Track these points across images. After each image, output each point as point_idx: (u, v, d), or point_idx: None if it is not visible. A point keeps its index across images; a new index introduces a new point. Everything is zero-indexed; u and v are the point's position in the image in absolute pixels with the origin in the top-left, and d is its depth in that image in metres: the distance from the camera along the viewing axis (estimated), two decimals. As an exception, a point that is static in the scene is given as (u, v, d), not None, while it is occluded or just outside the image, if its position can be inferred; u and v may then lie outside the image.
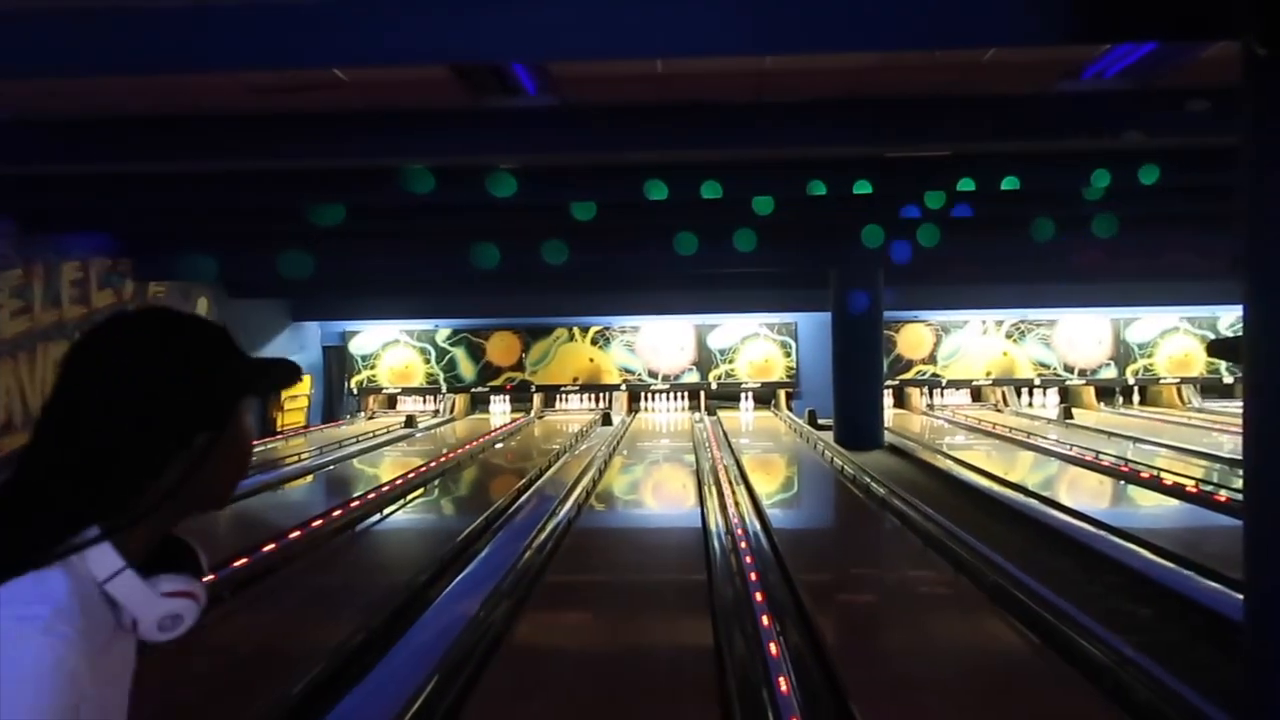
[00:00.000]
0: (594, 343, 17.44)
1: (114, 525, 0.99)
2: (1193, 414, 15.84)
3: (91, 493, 0.99)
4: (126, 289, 11.75)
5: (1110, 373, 17.14)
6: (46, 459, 1.01)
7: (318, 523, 7.31)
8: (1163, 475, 8.84)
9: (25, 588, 0.92)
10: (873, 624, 5.09)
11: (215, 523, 8.22)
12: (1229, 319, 16.81)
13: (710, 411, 16.90)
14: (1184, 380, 17.04)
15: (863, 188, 8.86)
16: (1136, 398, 17.25)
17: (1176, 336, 17.09)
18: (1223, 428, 12.97)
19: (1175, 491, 8.25)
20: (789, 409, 16.86)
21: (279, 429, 15.13)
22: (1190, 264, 11.98)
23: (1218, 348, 15.13)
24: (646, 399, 17.53)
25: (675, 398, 17.46)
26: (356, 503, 8.26)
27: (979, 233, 10.83)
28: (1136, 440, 12.09)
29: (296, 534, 6.86)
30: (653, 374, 17.37)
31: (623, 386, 17.39)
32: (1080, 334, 17.19)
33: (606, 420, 15.96)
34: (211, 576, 5.46)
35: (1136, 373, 17.11)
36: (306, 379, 16.41)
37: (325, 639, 4.57)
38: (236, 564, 5.82)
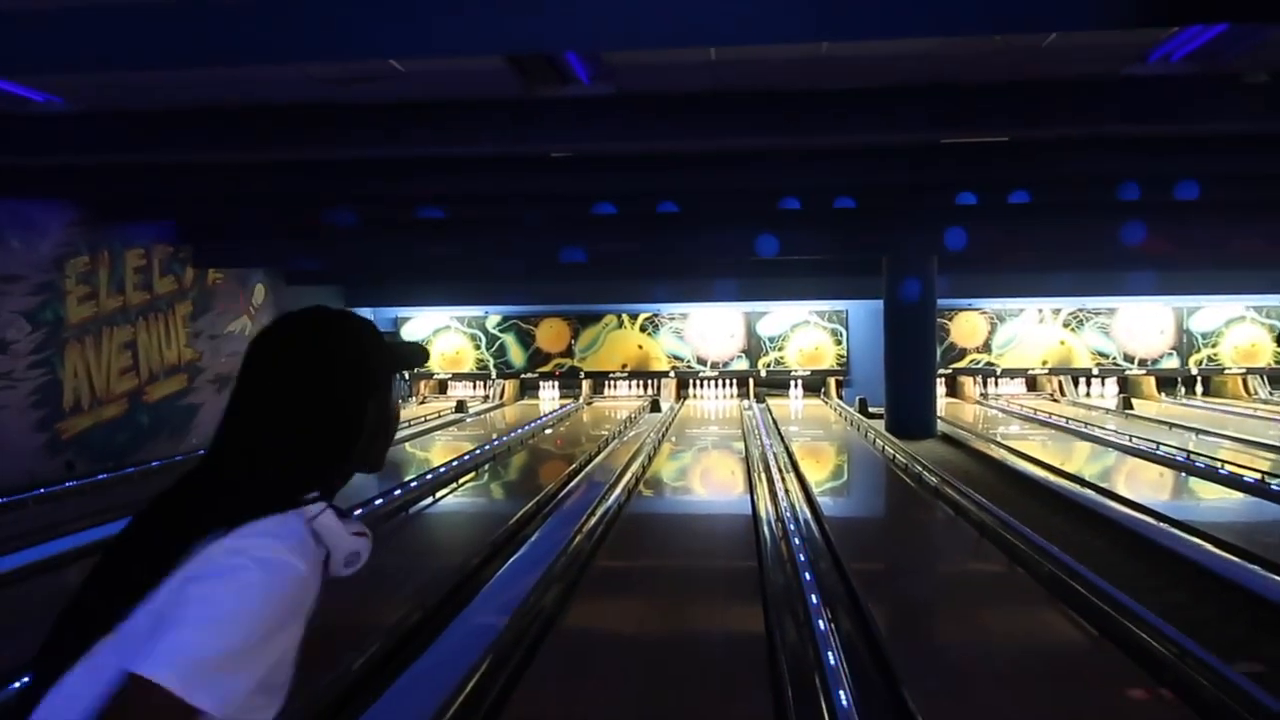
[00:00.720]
0: (643, 329, 17.46)
1: (332, 485, 1.27)
2: (1259, 405, 15.42)
3: (314, 459, 1.24)
4: (187, 276, 12.04)
5: (1172, 362, 16.73)
6: (259, 435, 1.23)
7: (371, 505, 7.44)
8: (1226, 467, 8.62)
9: (274, 524, 1.15)
10: (926, 613, 5.06)
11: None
12: (1299, 308, 16.33)
13: (759, 399, 16.85)
14: (1250, 370, 16.58)
15: (917, 174, 8.74)
16: (1200, 388, 16.83)
17: (1243, 326, 16.62)
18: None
19: (1238, 483, 8.05)
20: (839, 397, 16.73)
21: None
22: (1259, 252, 11.64)
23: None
24: (695, 386, 17.52)
25: (724, 385, 17.43)
26: (409, 486, 8.39)
27: (1036, 220, 10.62)
28: (1199, 431, 11.80)
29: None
30: (702, 361, 17.35)
31: (671, 373, 17.40)
32: (1141, 323, 16.80)
33: (655, 407, 15.99)
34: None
35: (1200, 363, 16.68)
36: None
37: (382, 618, 4.66)
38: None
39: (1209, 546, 5.85)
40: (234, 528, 1.12)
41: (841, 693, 3.48)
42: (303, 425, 1.24)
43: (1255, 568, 5.32)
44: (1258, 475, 8.12)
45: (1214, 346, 16.68)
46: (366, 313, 17.33)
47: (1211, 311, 16.66)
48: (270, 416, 1.24)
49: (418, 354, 1.44)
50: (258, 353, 1.28)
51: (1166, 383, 16.89)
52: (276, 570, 1.11)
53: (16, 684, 3.78)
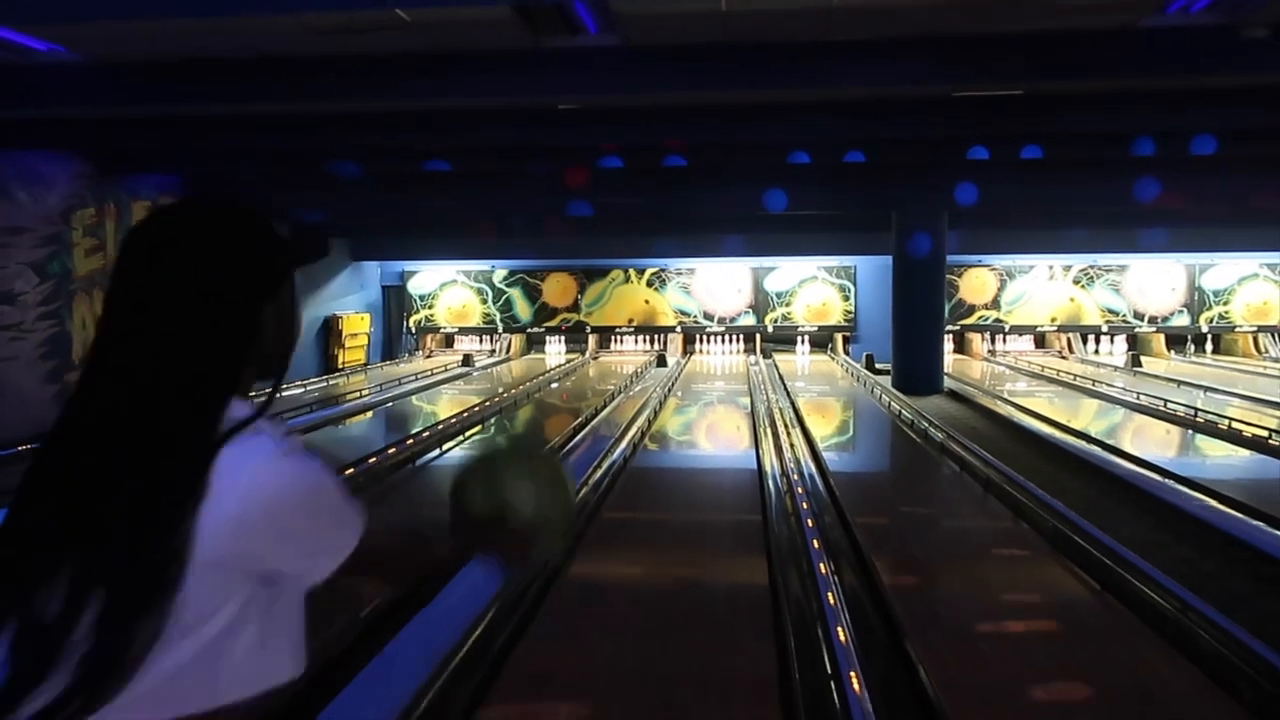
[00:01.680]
0: (650, 284, 17.41)
1: (249, 391, 1.20)
2: (1270, 363, 15.35)
3: (226, 370, 1.15)
4: (194, 228, 11.99)
5: (1183, 320, 16.64)
6: (163, 350, 1.10)
7: (378, 457, 7.49)
8: (1234, 424, 8.61)
9: (252, 443, 1.12)
10: (930, 567, 5.08)
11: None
12: (1313, 265, 16.19)
13: (766, 355, 16.83)
14: (1261, 329, 16.48)
15: (930, 127, 8.62)
16: (1210, 346, 16.75)
17: (1255, 283, 16.48)
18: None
19: (1246, 441, 8.04)
20: (846, 353, 16.71)
21: (340, 366, 15.45)
22: (1277, 209, 11.50)
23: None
24: (702, 341, 17.51)
25: (731, 340, 17.40)
26: (416, 438, 8.44)
27: (1049, 175, 10.50)
28: (1208, 389, 11.76)
29: (358, 467, 7.05)
30: (708, 316, 17.32)
31: (678, 328, 17.37)
32: (1152, 280, 16.68)
33: (661, 362, 16.00)
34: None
35: (1211, 320, 16.58)
36: (366, 317, 16.69)
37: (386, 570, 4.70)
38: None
39: (1214, 503, 5.86)
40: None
41: (843, 643, 3.51)
42: (197, 336, 1.10)
43: (1260, 524, 5.33)
44: (1265, 433, 8.10)
45: (1225, 304, 16.56)
46: (373, 266, 17.31)
47: (1224, 269, 16.52)
48: (158, 332, 1.09)
49: (314, 245, 1.34)
50: (130, 256, 1.12)
51: (1176, 340, 16.82)
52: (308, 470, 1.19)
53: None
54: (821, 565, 4.42)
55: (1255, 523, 5.37)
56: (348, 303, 16.46)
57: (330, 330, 15.68)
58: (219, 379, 1.13)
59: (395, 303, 17.81)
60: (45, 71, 6.89)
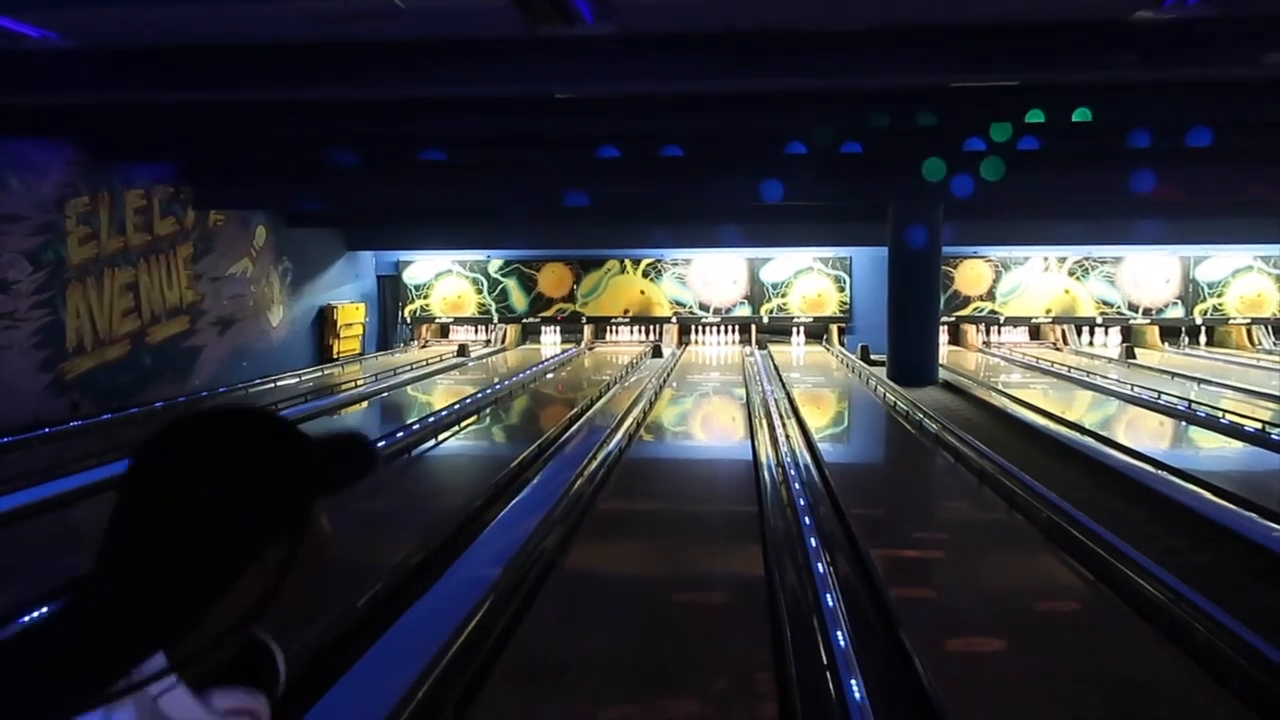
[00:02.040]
0: (645, 275, 17.40)
1: (183, 659, 0.89)
2: (1262, 355, 15.41)
3: (155, 622, 0.88)
4: (188, 217, 11.96)
5: (1177, 312, 16.68)
6: (107, 586, 0.90)
7: (375, 446, 7.48)
8: (1226, 416, 8.64)
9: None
10: (924, 558, 5.10)
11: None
12: (1306, 258, 16.23)
13: (761, 345, 16.84)
14: (1255, 321, 16.53)
15: (926, 119, 8.62)
16: (1203, 338, 16.80)
17: (1250, 275, 16.53)
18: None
19: (1239, 433, 8.08)
20: (841, 344, 16.73)
21: (335, 356, 15.42)
22: (1273, 201, 11.52)
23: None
24: (697, 332, 17.51)
25: (726, 331, 17.41)
26: (411, 428, 8.44)
27: (1045, 167, 10.49)
28: (1201, 381, 11.80)
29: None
30: (704, 307, 17.32)
31: (673, 319, 17.38)
32: (1147, 272, 16.71)
33: (657, 352, 16.00)
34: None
35: (1205, 312, 16.63)
36: (361, 307, 16.66)
37: (386, 558, 4.72)
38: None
39: (1207, 494, 5.89)
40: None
41: (839, 634, 3.52)
42: (157, 578, 0.89)
43: (1253, 515, 5.35)
44: (1258, 425, 8.13)
45: (1220, 296, 16.61)
46: (368, 256, 17.26)
47: (1219, 261, 16.56)
48: (124, 565, 0.90)
49: (361, 460, 1.07)
50: (128, 476, 0.95)
51: (1170, 332, 16.86)
52: None
53: (24, 618, 3.83)
54: (820, 565, 4.43)
55: (1248, 514, 5.39)
56: (343, 292, 16.43)
57: (325, 320, 15.65)
58: (149, 616, 0.88)
59: (390, 292, 17.77)
60: (38, 58, 6.85)
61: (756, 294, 17.23)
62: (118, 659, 0.86)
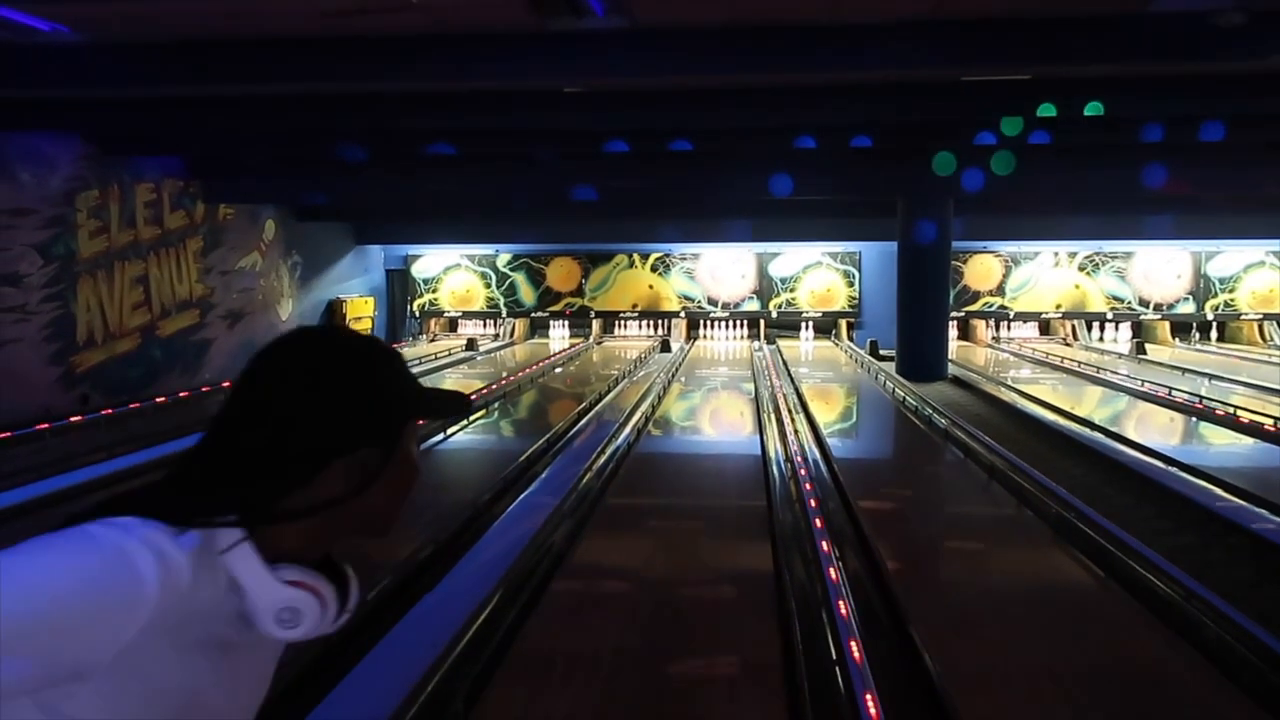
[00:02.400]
0: (654, 269, 17.38)
1: (251, 519, 0.97)
2: (1273, 351, 15.32)
3: (238, 485, 0.98)
4: (197, 211, 11.99)
5: (1188, 307, 16.60)
6: (208, 450, 1.01)
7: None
8: (1238, 413, 8.60)
9: (158, 527, 0.91)
10: (933, 553, 5.09)
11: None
12: (1319, 253, 16.14)
13: (770, 340, 16.82)
14: (1267, 316, 16.43)
15: (936, 113, 8.58)
16: (1214, 334, 16.71)
17: (1262, 271, 16.43)
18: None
19: (1250, 429, 8.03)
20: (850, 339, 16.69)
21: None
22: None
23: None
24: (705, 326, 17.49)
25: (735, 326, 17.39)
26: (419, 422, 8.44)
27: (1056, 161, 10.45)
28: (1212, 377, 11.75)
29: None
30: (712, 301, 17.29)
31: (682, 314, 17.36)
32: (1158, 267, 16.63)
33: (665, 347, 15.99)
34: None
35: (1216, 308, 16.53)
36: (370, 301, 16.69)
37: (395, 552, 4.72)
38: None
39: (1218, 491, 5.86)
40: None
41: (853, 644, 3.52)
42: (248, 448, 1.00)
43: (1264, 512, 5.33)
44: (1269, 421, 8.09)
45: (1231, 292, 16.51)
46: (377, 250, 17.29)
47: (1231, 256, 16.46)
48: (226, 433, 1.02)
49: (455, 403, 1.18)
50: (249, 367, 1.07)
51: (1181, 328, 16.78)
52: (113, 565, 0.87)
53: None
54: (831, 570, 4.42)
55: (1260, 510, 5.37)
56: (351, 286, 16.46)
57: (334, 314, 15.69)
58: (236, 480, 0.98)
59: (399, 286, 17.80)
60: (48, 52, 6.86)
61: (765, 289, 17.20)
62: (196, 506, 0.95)
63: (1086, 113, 8.16)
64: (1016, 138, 9.33)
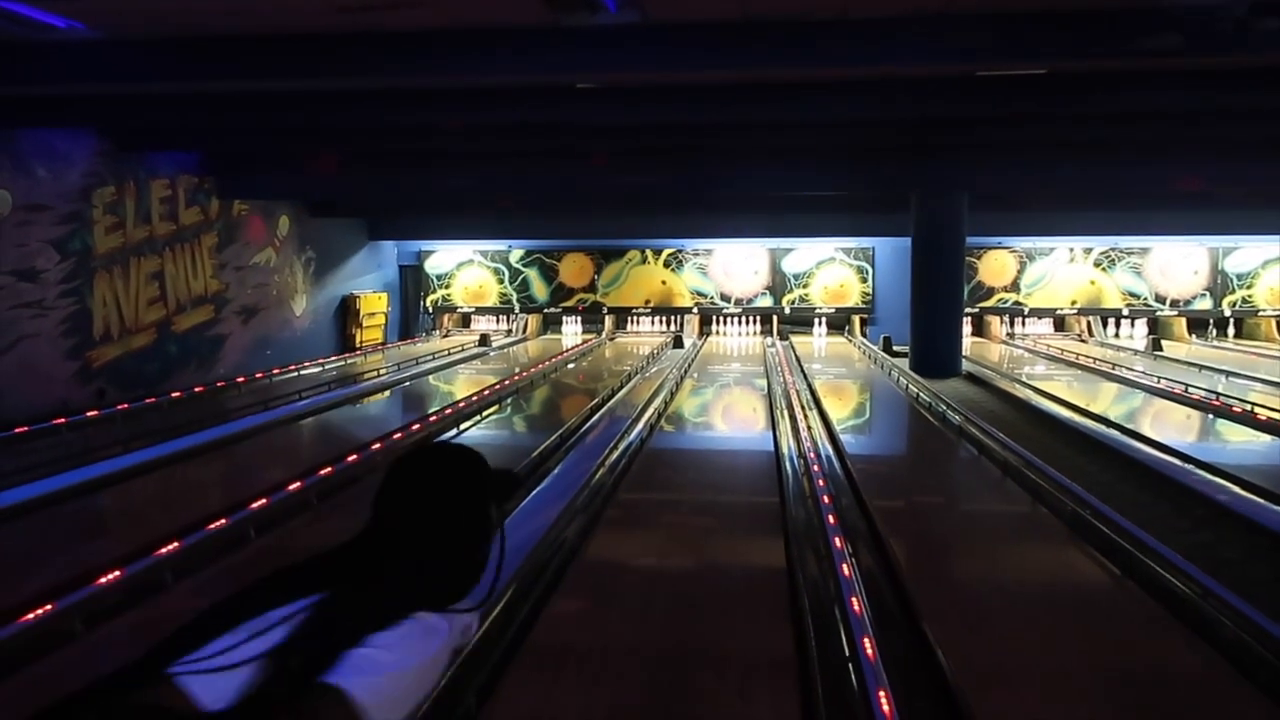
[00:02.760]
0: (666, 265, 17.36)
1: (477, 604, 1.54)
2: (1290, 348, 15.19)
3: (455, 581, 1.53)
4: (212, 207, 12.05)
5: (1205, 304, 16.46)
6: (419, 552, 1.51)
7: (397, 435, 7.53)
8: (1255, 409, 8.53)
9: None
10: (947, 550, 5.07)
11: (301, 434, 8.53)
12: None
13: (783, 336, 16.78)
14: (1285, 313, 16.29)
15: (950, 108, 8.52)
16: (1231, 330, 16.57)
17: (1280, 267, 16.28)
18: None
19: (1268, 426, 7.97)
20: (863, 335, 16.64)
21: (358, 345, 15.50)
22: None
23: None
24: (718, 322, 17.47)
25: (747, 322, 17.36)
26: (433, 418, 8.47)
27: (1072, 156, 10.37)
28: (1229, 374, 11.65)
29: (377, 445, 7.08)
30: (725, 297, 17.27)
31: (694, 309, 17.34)
32: (1174, 263, 16.50)
33: (678, 343, 15.98)
34: (299, 484, 5.63)
35: (1234, 304, 16.40)
36: (383, 296, 16.74)
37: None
38: (322, 473, 6.04)
39: (1235, 488, 5.82)
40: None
41: (865, 640, 3.51)
42: (455, 551, 1.53)
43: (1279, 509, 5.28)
44: (1288, 418, 8.02)
45: (1249, 288, 16.37)
46: (390, 246, 17.33)
47: (1248, 252, 16.32)
48: (427, 538, 1.53)
49: (517, 481, 1.68)
50: (410, 484, 1.59)
51: (1198, 325, 16.65)
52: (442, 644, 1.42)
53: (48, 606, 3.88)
54: (845, 567, 4.41)
55: (1276, 508, 5.32)
56: (365, 282, 16.51)
57: (348, 309, 15.74)
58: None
59: (412, 282, 17.84)
60: (64, 49, 6.90)
61: (778, 284, 17.16)
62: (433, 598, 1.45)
63: (1103, 108, 8.07)
64: (1032, 132, 9.26)
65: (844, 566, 4.25)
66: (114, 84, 7.78)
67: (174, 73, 7.26)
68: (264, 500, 5.41)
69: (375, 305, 16.37)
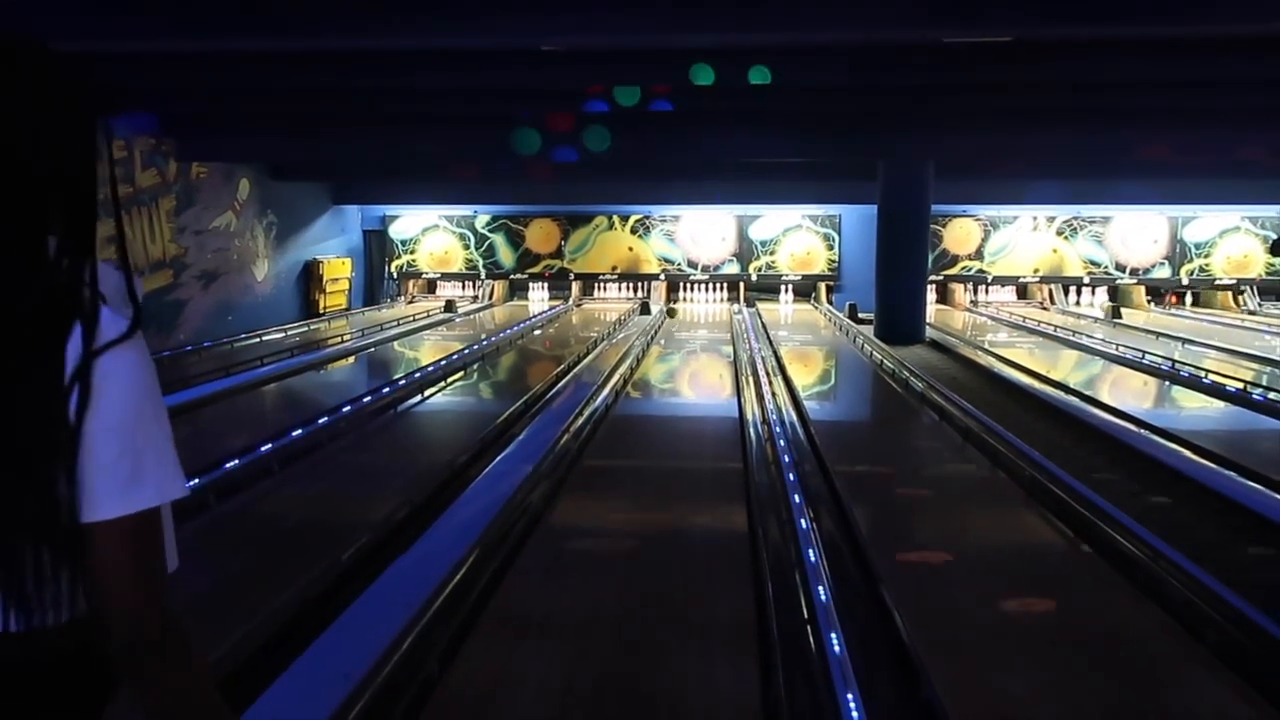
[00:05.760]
0: (634, 231, 17.30)
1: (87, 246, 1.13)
2: (1246, 316, 15.49)
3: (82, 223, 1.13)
4: (170, 169, 11.79)
5: (1164, 272, 16.72)
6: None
7: (360, 402, 7.47)
8: (1209, 376, 8.70)
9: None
10: (907, 515, 5.14)
11: (261, 400, 8.44)
12: (1295, 219, 16.27)
13: (749, 303, 16.82)
14: (1241, 281, 16.59)
15: (916, 75, 8.52)
16: (1189, 299, 16.86)
17: (1237, 236, 16.55)
18: (1277, 330, 12.71)
19: (1220, 392, 8.14)
20: (829, 302, 16.72)
21: (321, 311, 15.33)
22: (1261, 162, 11.49)
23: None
24: (686, 289, 17.46)
25: (714, 289, 17.37)
26: (398, 384, 8.41)
27: (1036, 124, 10.42)
28: (1186, 341, 11.87)
29: (339, 412, 7.03)
30: (692, 264, 17.25)
31: (662, 276, 17.31)
32: (1134, 232, 16.72)
33: (645, 309, 15.96)
34: (260, 450, 5.57)
35: (1191, 273, 16.67)
36: (347, 262, 16.53)
37: (371, 513, 4.72)
38: (282, 440, 5.99)
39: (1188, 453, 5.94)
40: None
41: (820, 589, 3.55)
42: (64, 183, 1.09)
43: (1232, 474, 5.41)
44: (1240, 385, 8.20)
45: (1206, 257, 16.64)
46: (354, 210, 17.09)
47: (1206, 221, 16.56)
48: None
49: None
50: None
51: (1156, 293, 16.92)
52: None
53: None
54: (803, 521, 4.47)
55: (1227, 473, 5.45)
56: (328, 247, 16.28)
57: (311, 275, 15.53)
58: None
59: (377, 247, 17.63)
60: (13, 4, 6.69)
61: (745, 251, 17.17)
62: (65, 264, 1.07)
63: (1064, 76, 8.14)
64: (992, 100, 9.31)
65: (802, 521, 4.31)
66: (66, 42, 7.55)
67: (130, 31, 7.07)
68: (224, 466, 5.36)
69: (339, 271, 16.17)
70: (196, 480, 4.93)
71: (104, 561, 0.99)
